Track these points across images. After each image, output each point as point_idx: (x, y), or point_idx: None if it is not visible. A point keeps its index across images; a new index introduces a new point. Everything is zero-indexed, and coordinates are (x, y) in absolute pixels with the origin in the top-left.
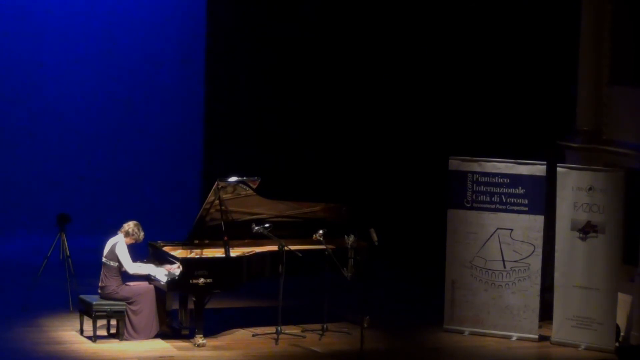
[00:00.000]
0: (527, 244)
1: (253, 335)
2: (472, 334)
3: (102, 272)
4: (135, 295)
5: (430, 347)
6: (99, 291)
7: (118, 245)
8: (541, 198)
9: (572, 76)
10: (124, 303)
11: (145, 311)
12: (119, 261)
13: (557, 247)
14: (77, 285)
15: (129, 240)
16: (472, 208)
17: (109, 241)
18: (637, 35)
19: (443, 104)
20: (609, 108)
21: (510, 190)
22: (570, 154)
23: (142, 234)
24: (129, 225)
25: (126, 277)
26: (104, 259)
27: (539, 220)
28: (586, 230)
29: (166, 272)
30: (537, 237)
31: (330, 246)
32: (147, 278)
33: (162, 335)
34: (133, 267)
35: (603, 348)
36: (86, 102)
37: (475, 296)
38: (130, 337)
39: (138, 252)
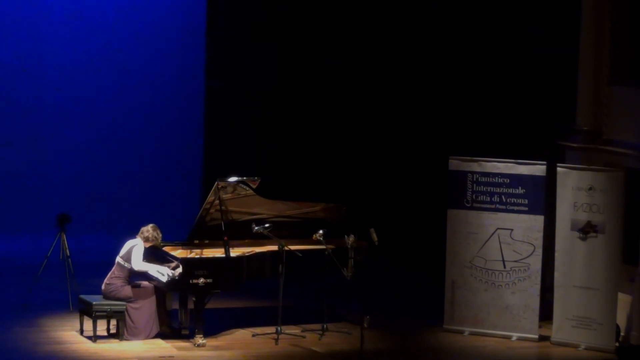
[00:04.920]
0: (527, 244)
1: (253, 335)
2: (472, 334)
3: (112, 270)
4: (136, 294)
5: (430, 347)
6: (102, 287)
7: (136, 247)
8: (541, 198)
9: (572, 76)
10: (124, 303)
11: (146, 311)
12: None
13: (557, 247)
14: (77, 285)
15: (149, 244)
16: (472, 208)
17: (127, 242)
18: (637, 35)
19: (443, 104)
20: (609, 108)
21: (510, 190)
22: (570, 154)
23: (160, 236)
24: (148, 231)
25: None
26: (118, 258)
27: (539, 220)
28: (586, 230)
29: (170, 273)
30: (537, 237)
31: (330, 246)
32: (148, 278)
33: (162, 335)
34: (139, 265)
35: (603, 348)
36: (86, 102)
37: (475, 296)
38: (130, 337)
39: None
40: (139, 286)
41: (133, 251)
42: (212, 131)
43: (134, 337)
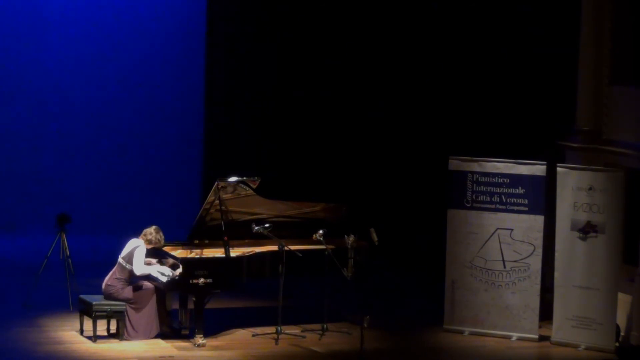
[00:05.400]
0: (527, 244)
1: (253, 335)
2: (472, 334)
3: (114, 270)
4: (137, 296)
5: (430, 347)
6: (103, 287)
7: (138, 250)
8: (541, 198)
9: (572, 76)
10: (124, 303)
11: (146, 311)
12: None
13: (557, 247)
14: (77, 285)
15: (151, 247)
16: (472, 208)
17: (129, 242)
18: (637, 35)
19: (443, 104)
20: (609, 108)
21: (510, 190)
22: (570, 154)
23: (162, 238)
24: (151, 234)
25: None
26: (120, 259)
27: (539, 220)
28: (586, 230)
29: (170, 273)
30: (537, 237)
31: (330, 246)
32: (148, 278)
33: (162, 335)
34: (141, 269)
35: (603, 348)
36: (86, 102)
37: (475, 296)
38: (130, 337)
39: None
40: (140, 288)
41: (135, 254)
42: (212, 131)
43: (134, 337)
